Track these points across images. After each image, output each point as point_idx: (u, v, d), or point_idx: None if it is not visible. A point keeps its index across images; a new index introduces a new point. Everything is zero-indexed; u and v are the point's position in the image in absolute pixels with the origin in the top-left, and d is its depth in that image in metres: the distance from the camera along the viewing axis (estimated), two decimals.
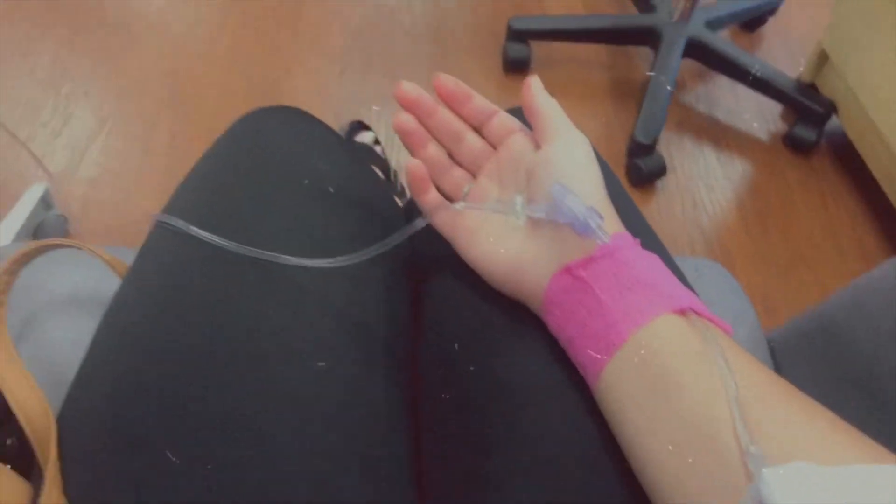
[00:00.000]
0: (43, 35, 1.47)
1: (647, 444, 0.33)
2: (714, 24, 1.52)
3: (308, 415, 0.37)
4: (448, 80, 0.44)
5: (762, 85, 1.45)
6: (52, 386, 0.43)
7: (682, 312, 0.34)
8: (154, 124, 1.34)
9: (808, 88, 1.45)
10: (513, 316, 0.41)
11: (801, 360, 0.57)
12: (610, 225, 0.38)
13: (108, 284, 0.50)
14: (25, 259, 0.47)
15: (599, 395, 0.36)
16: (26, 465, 0.40)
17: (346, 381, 0.40)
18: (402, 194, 1.12)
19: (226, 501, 0.34)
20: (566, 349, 0.38)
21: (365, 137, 1.14)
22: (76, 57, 1.44)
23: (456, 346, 0.44)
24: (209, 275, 0.41)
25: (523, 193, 0.40)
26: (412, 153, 0.46)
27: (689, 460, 0.31)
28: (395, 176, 1.13)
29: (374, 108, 1.38)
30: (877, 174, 1.30)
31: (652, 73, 1.39)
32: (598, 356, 0.35)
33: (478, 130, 0.46)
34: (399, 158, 1.33)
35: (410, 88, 0.44)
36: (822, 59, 1.41)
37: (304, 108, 0.56)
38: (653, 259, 0.37)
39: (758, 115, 1.53)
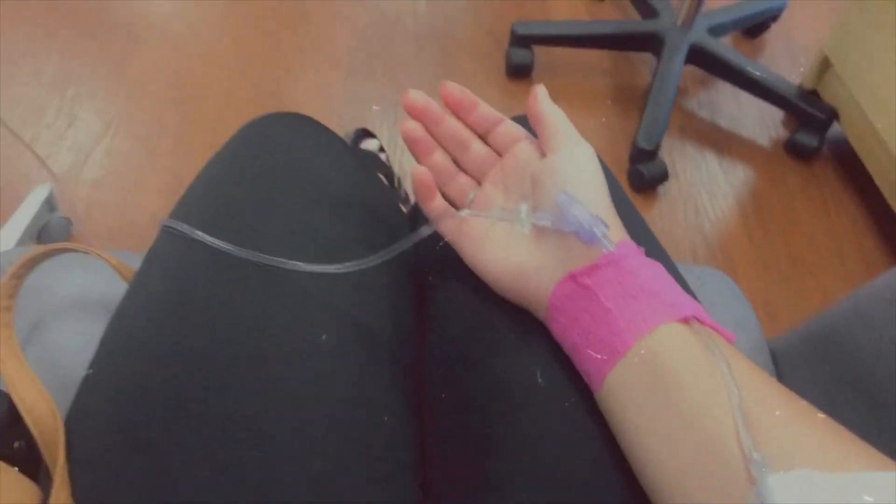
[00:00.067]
0: (48, 37, 1.47)
1: (650, 450, 0.33)
2: (716, 31, 1.52)
3: (311, 417, 0.37)
4: (454, 88, 0.45)
5: (764, 91, 1.45)
6: (60, 389, 0.43)
7: (686, 321, 0.34)
8: (158, 126, 1.35)
9: (810, 95, 1.45)
10: (517, 321, 0.42)
11: (804, 367, 0.57)
12: (615, 233, 0.38)
13: (115, 289, 0.50)
14: (33, 263, 0.47)
15: (603, 402, 0.36)
16: (34, 468, 0.41)
17: (350, 384, 0.40)
18: (406, 200, 1.12)
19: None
20: (570, 356, 0.38)
21: (370, 145, 1.14)
22: (81, 59, 1.45)
23: (460, 350, 0.44)
24: (215, 279, 0.41)
25: (528, 201, 0.41)
26: (418, 160, 0.46)
27: (693, 466, 0.31)
28: (400, 182, 1.13)
29: (374, 107, 1.39)
30: (878, 180, 1.30)
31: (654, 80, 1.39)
32: (603, 363, 0.35)
33: (483, 138, 0.46)
34: (402, 161, 1.33)
35: (418, 97, 0.44)
36: (825, 65, 1.42)
37: (308, 111, 0.56)
38: (657, 267, 0.38)
39: (760, 122, 1.53)
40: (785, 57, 1.67)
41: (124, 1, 1.58)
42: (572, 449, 0.37)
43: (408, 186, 1.20)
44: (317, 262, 0.41)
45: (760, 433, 0.30)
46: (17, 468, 0.38)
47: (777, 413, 0.31)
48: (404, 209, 1.05)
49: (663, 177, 1.36)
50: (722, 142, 1.49)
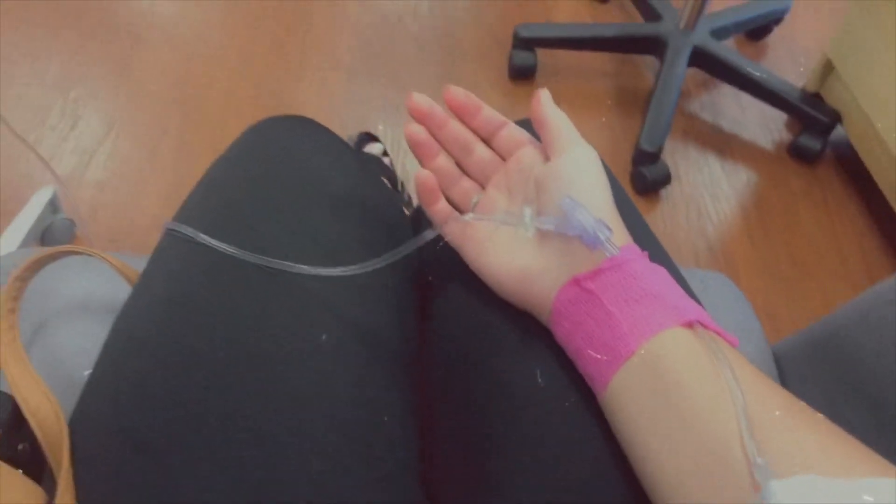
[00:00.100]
0: (52, 39, 1.48)
1: (653, 453, 0.33)
2: (719, 33, 1.52)
3: (311, 417, 0.37)
4: (458, 92, 0.45)
5: (767, 94, 1.45)
6: (63, 391, 0.43)
7: (689, 325, 0.35)
8: (162, 128, 1.35)
9: (813, 98, 1.45)
10: (518, 324, 0.42)
11: (807, 372, 0.57)
12: (618, 237, 0.38)
13: (119, 291, 0.50)
14: (37, 266, 0.48)
15: (606, 406, 0.36)
16: (38, 470, 0.41)
17: (350, 385, 0.40)
18: (408, 203, 1.12)
19: None
20: (573, 360, 0.38)
21: (373, 148, 1.14)
22: (85, 61, 1.45)
23: (461, 351, 0.44)
24: (217, 282, 0.41)
25: (532, 205, 0.41)
26: (422, 163, 0.46)
27: (696, 470, 0.31)
28: (403, 186, 1.13)
29: (379, 126, 1.39)
30: (881, 184, 1.30)
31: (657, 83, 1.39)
32: (606, 367, 0.35)
33: (487, 142, 0.46)
34: (405, 164, 1.33)
35: (422, 100, 0.44)
36: (827, 68, 1.42)
37: (311, 113, 0.56)
38: (661, 271, 0.38)
39: (762, 124, 1.53)
40: (788, 60, 1.67)
41: (126, 2, 1.58)
42: (573, 449, 0.37)
43: (411, 190, 1.20)
44: (320, 265, 0.42)
45: (764, 438, 0.30)
46: (21, 470, 0.38)
47: (782, 418, 0.31)
48: (407, 212, 1.06)
49: (666, 179, 1.36)
50: (724, 144, 1.49)
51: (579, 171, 0.40)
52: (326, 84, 1.47)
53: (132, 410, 0.37)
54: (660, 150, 1.33)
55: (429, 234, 0.41)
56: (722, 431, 0.31)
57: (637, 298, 0.35)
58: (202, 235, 0.43)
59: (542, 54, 1.54)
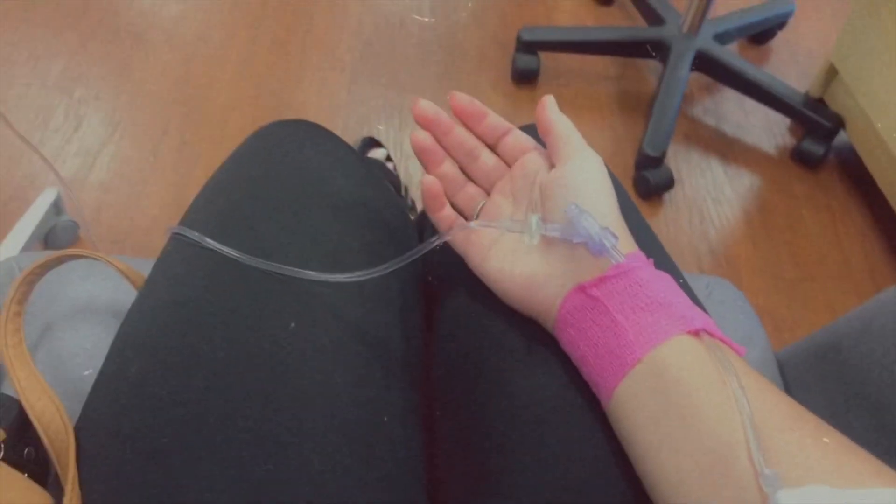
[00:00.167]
0: (53, 40, 1.48)
1: (659, 463, 0.33)
2: (723, 38, 1.52)
3: (312, 417, 0.38)
4: (463, 98, 0.45)
5: (770, 99, 1.45)
6: (69, 395, 0.43)
7: (696, 333, 0.35)
8: (163, 129, 1.35)
9: (817, 103, 1.45)
10: (522, 327, 0.42)
11: (811, 379, 0.57)
12: (624, 244, 0.38)
13: (124, 294, 0.50)
14: (43, 270, 0.48)
15: (611, 414, 0.36)
16: (43, 474, 0.41)
17: (351, 385, 0.40)
18: (412, 209, 1.12)
19: None
20: (579, 367, 0.38)
21: (377, 153, 1.15)
22: (86, 61, 1.45)
23: (465, 354, 0.44)
24: (220, 284, 0.42)
25: (538, 212, 0.41)
26: (427, 170, 0.46)
27: (702, 479, 0.31)
28: (406, 191, 1.13)
29: (379, 127, 1.39)
30: (884, 189, 1.30)
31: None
32: (612, 375, 0.35)
33: (492, 148, 0.46)
34: (409, 168, 1.33)
35: (427, 107, 0.44)
36: (831, 73, 1.42)
37: (311, 114, 0.56)
38: (666, 279, 0.38)
39: (766, 129, 1.53)
40: (791, 64, 1.67)
41: (127, 2, 1.58)
42: (573, 449, 0.37)
43: (414, 195, 1.20)
44: (322, 267, 0.42)
45: (771, 448, 0.30)
46: (26, 474, 0.38)
47: (788, 428, 0.31)
48: (411, 217, 1.06)
49: (669, 184, 1.36)
50: (727, 149, 1.49)
51: (585, 177, 0.40)
52: (327, 84, 1.47)
53: (132, 411, 0.37)
54: (663, 154, 1.33)
55: (437, 241, 0.41)
56: (727, 437, 0.31)
57: (643, 306, 0.35)
58: (207, 240, 0.43)
59: (545, 58, 1.54)
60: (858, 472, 0.29)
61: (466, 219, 0.46)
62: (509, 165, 0.46)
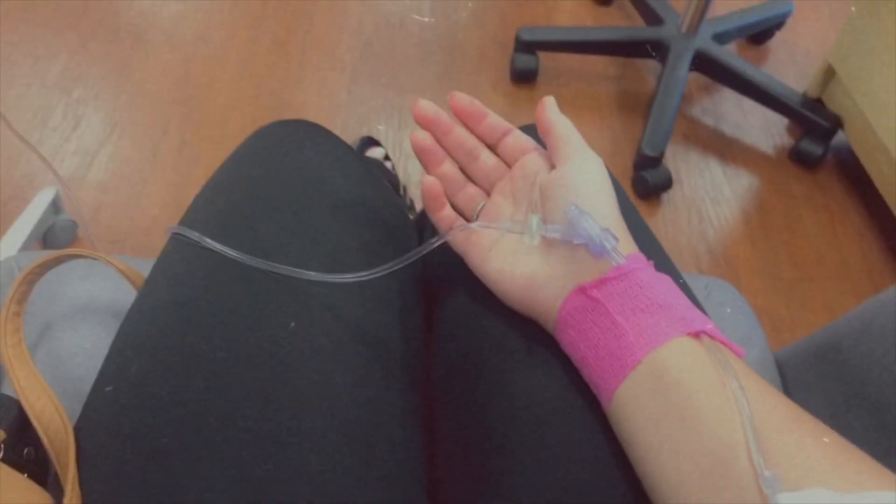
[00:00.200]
0: (53, 39, 1.48)
1: (659, 464, 0.33)
2: (721, 38, 1.52)
3: (312, 417, 0.38)
4: (463, 98, 0.45)
5: (768, 99, 1.45)
6: (68, 395, 0.43)
7: (696, 335, 0.35)
8: (162, 129, 1.35)
9: (815, 103, 1.45)
10: (522, 328, 0.42)
11: (810, 380, 0.57)
12: (624, 246, 0.38)
13: (123, 294, 0.50)
14: (42, 269, 0.48)
15: (612, 415, 0.36)
16: (43, 474, 0.41)
17: (351, 385, 0.40)
18: (411, 208, 1.12)
19: None
20: (579, 368, 0.38)
21: (375, 153, 1.14)
22: (86, 61, 1.45)
23: (463, 352, 0.44)
24: (219, 284, 0.42)
25: (538, 213, 0.41)
26: (427, 170, 0.46)
27: (702, 481, 0.31)
28: (405, 190, 1.13)
29: (379, 127, 1.39)
30: (882, 189, 1.30)
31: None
32: (612, 376, 0.35)
33: (492, 148, 0.46)
34: (407, 168, 1.33)
35: (428, 107, 0.44)
36: (829, 74, 1.42)
37: (311, 114, 0.56)
38: (666, 281, 0.38)
39: (764, 129, 1.53)
40: (789, 64, 1.67)
41: (127, 2, 1.58)
42: (573, 450, 0.37)
43: (413, 194, 1.20)
44: (321, 267, 0.42)
45: (771, 450, 0.30)
46: (26, 474, 0.38)
47: (789, 431, 0.31)
48: (410, 217, 1.06)
49: (667, 184, 1.36)
50: (726, 149, 1.49)
51: (585, 178, 0.40)
52: (327, 84, 1.47)
53: (132, 411, 0.37)
54: (661, 154, 1.33)
55: (437, 241, 0.41)
56: (727, 439, 0.31)
57: (643, 308, 0.35)
58: (207, 240, 0.43)
59: (544, 57, 1.54)
60: (857, 473, 0.29)
61: (466, 219, 0.46)
62: (509, 166, 0.46)
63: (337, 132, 0.56)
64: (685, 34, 1.47)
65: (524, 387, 0.40)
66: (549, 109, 0.43)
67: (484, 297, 0.43)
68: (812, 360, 0.57)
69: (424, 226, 0.59)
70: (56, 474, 0.39)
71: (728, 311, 0.61)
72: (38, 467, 0.40)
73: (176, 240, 0.46)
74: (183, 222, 0.47)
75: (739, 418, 0.31)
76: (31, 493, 0.37)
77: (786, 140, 1.52)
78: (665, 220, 1.35)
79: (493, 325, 0.43)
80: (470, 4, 1.69)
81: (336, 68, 1.51)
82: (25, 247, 1.05)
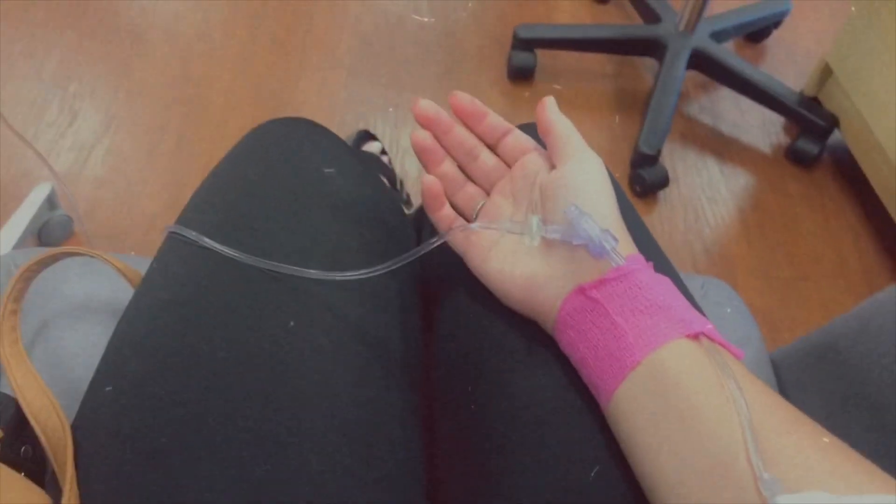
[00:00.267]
0: (52, 37, 1.47)
1: (658, 464, 0.33)
2: (719, 36, 1.52)
3: (311, 417, 0.38)
4: (464, 98, 0.45)
5: (765, 97, 1.45)
6: (65, 393, 0.43)
7: (695, 337, 0.35)
8: (161, 127, 1.34)
9: (811, 102, 1.45)
10: (522, 328, 0.42)
11: (806, 380, 0.57)
12: (624, 246, 0.38)
13: (120, 292, 0.50)
14: (39, 267, 0.47)
15: (611, 416, 0.36)
16: (40, 473, 0.41)
17: (351, 385, 0.40)
18: (407, 203, 1.12)
19: None
20: (578, 369, 0.38)
21: (372, 147, 1.14)
22: (84, 59, 1.44)
23: (463, 352, 0.44)
24: (218, 284, 0.42)
25: (538, 213, 0.41)
26: (427, 169, 0.46)
27: (700, 483, 0.31)
28: (402, 185, 1.13)
29: (390, 109, 1.38)
30: (878, 188, 1.31)
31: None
32: (611, 377, 0.35)
33: (492, 148, 0.46)
34: (404, 163, 1.33)
35: (428, 106, 0.44)
36: (826, 73, 1.42)
37: (311, 113, 0.56)
38: (666, 282, 0.38)
39: (761, 128, 1.53)
40: (786, 63, 1.68)
41: (127, 1, 1.57)
42: (573, 450, 0.37)
43: (410, 189, 1.20)
44: (319, 265, 0.42)
45: (769, 450, 0.30)
46: (23, 473, 0.38)
47: (787, 433, 0.31)
48: (406, 211, 1.06)
49: (664, 182, 1.36)
50: (723, 147, 1.49)
51: (585, 179, 0.40)
52: (326, 84, 1.47)
53: (132, 411, 0.37)
54: (658, 152, 1.33)
55: (437, 241, 0.41)
56: (726, 439, 0.31)
57: (642, 309, 0.35)
58: (205, 239, 0.43)
59: (542, 55, 1.54)
60: (854, 475, 0.29)
61: (466, 219, 0.46)
62: (509, 166, 0.46)
63: (335, 131, 0.56)
64: (683, 32, 1.47)
65: (524, 387, 0.40)
66: (550, 109, 0.43)
67: (484, 297, 0.43)
68: (809, 360, 0.57)
69: (423, 223, 0.59)
70: (54, 473, 0.39)
71: (725, 310, 0.61)
72: (35, 466, 0.40)
73: (173, 239, 0.46)
74: (180, 221, 0.47)
75: (738, 421, 0.31)
76: (29, 493, 0.37)
77: (782, 139, 1.52)
78: (662, 219, 1.35)
79: (493, 325, 0.43)
80: (469, 4, 1.69)
81: (335, 67, 1.50)
82: (21, 243, 1.05)
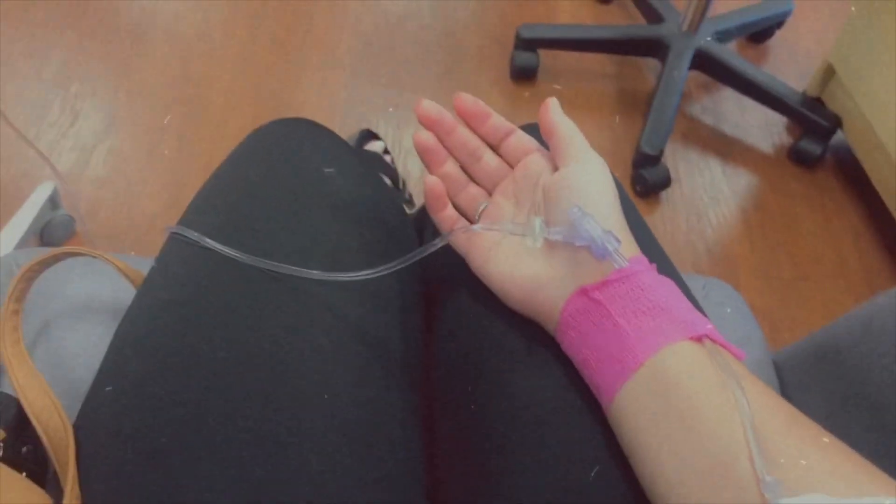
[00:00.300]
0: (52, 37, 1.47)
1: (660, 467, 0.33)
2: (722, 37, 1.52)
3: (311, 417, 0.38)
4: (467, 99, 0.45)
5: (768, 98, 1.45)
6: (67, 393, 0.43)
7: (698, 339, 0.35)
8: (161, 127, 1.35)
9: (814, 102, 1.45)
10: (523, 328, 0.42)
11: (808, 381, 0.57)
12: (626, 248, 0.38)
13: (122, 292, 0.50)
14: (41, 267, 0.47)
15: (613, 417, 0.36)
16: (41, 473, 0.41)
17: (351, 385, 0.40)
18: (410, 202, 1.12)
19: None
20: (580, 370, 0.38)
21: (375, 146, 1.14)
22: (85, 59, 1.44)
23: (463, 352, 0.44)
24: (219, 284, 0.42)
25: (541, 214, 0.41)
26: (430, 170, 0.46)
27: (702, 485, 0.31)
28: (404, 184, 1.13)
29: (390, 109, 1.38)
30: (880, 189, 1.30)
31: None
32: (613, 379, 0.35)
33: (495, 149, 0.46)
34: (407, 163, 1.33)
35: (431, 107, 0.44)
36: (829, 73, 1.42)
37: (311, 113, 0.56)
38: (668, 283, 0.38)
39: (763, 128, 1.53)
40: (789, 63, 1.67)
41: (128, 1, 1.57)
42: (573, 450, 0.37)
43: (412, 189, 1.20)
44: (320, 266, 0.42)
45: (770, 453, 0.30)
46: (24, 473, 0.38)
47: (790, 435, 0.31)
48: (408, 210, 1.06)
49: (666, 182, 1.36)
50: (725, 148, 1.49)
51: (588, 180, 0.40)
52: (327, 84, 1.47)
53: (132, 411, 0.37)
54: (661, 152, 1.33)
55: (439, 242, 0.41)
56: (727, 439, 0.31)
57: (645, 311, 0.35)
58: (208, 240, 0.43)
59: (544, 55, 1.54)
60: (858, 480, 0.29)
61: (468, 219, 0.46)
62: (512, 167, 0.46)
63: (336, 131, 0.56)
64: (685, 32, 1.47)
65: (524, 387, 0.40)
66: (553, 111, 0.42)
67: (485, 297, 0.43)
68: (811, 361, 0.57)
69: (425, 223, 0.59)
70: (55, 473, 0.39)
71: (727, 311, 0.61)
72: (36, 466, 0.40)
73: (175, 239, 0.46)
74: (182, 222, 0.47)
75: (740, 420, 0.31)
76: (30, 493, 0.37)
77: (785, 139, 1.52)
78: (664, 219, 1.35)
79: (493, 325, 0.43)
80: (470, 4, 1.68)
81: (335, 67, 1.50)
82: (23, 242, 1.05)
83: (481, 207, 0.45)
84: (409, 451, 0.42)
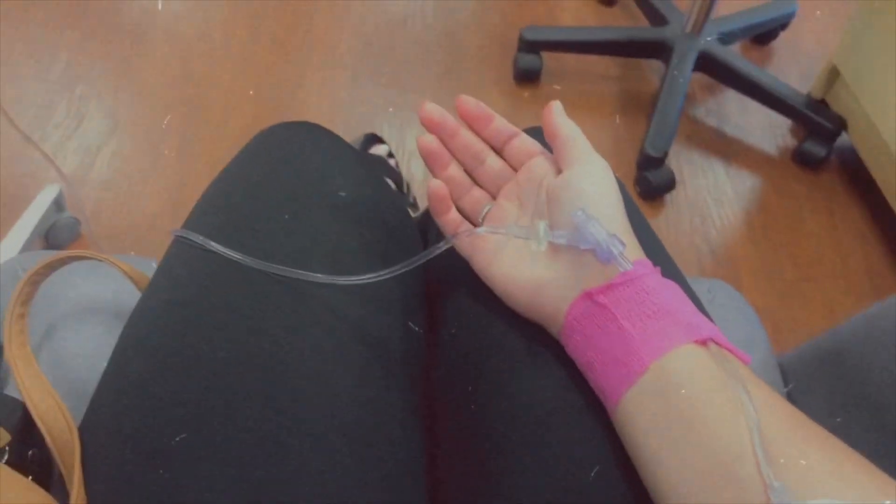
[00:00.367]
0: (57, 38, 1.48)
1: (665, 471, 0.33)
2: (726, 38, 1.52)
3: (312, 417, 0.38)
4: (470, 102, 0.45)
5: (772, 100, 1.45)
6: (72, 396, 0.43)
7: (703, 343, 0.35)
8: (163, 128, 1.35)
9: (819, 104, 1.45)
10: (524, 329, 0.42)
11: (813, 384, 0.57)
12: (631, 251, 0.38)
13: (127, 295, 0.50)
14: (47, 271, 0.48)
15: (618, 421, 0.36)
16: (47, 476, 0.41)
17: (353, 386, 0.40)
18: (414, 206, 1.12)
19: None
20: (584, 373, 0.38)
21: (379, 150, 1.14)
22: (88, 60, 1.45)
23: (464, 352, 0.44)
24: (220, 285, 0.42)
25: (544, 217, 0.41)
26: (434, 173, 0.46)
27: (708, 489, 0.31)
28: (408, 188, 1.13)
29: (390, 109, 1.38)
30: (885, 191, 1.30)
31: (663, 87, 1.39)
32: (618, 382, 0.35)
33: (498, 152, 0.46)
34: (410, 166, 1.33)
35: (434, 110, 0.44)
36: (833, 75, 1.41)
37: (312, 114, 0.56)
38: (673, 287, 0.38)
39: (767, 130, 1.53)
40: (793, 66, 1.67)
41: (128, 1, 1.58)
42: (574, 450, 0.37)
43: (416, 192, 1.20)
44: (322, 268, 0.42)
45: (774, 455, 0.30)
46: (30, 476, 0.38)
47: (796, 440, 0.31)
48: (413, 214, 1.06)
49: (670, 184, 1.35)
50: (729, 150, 1.48)
51: (592, 183, 0.40)
52: (327, 84, 1.47)
53: (133, 411, 0.37)
54: (665, 154, 1.33)
55: (443, 245, 0.41)
56: (731, 441, 0.31)
57: (650, 314, 0.35)
58: (212, 243, 0.43)
59: (548, 58, 1.54)
60: (864, 485, 0.29)
61: (472, 222, 0.46)
62: (515, 169, 0.46)
63: (337, 132, 0.56)
64: (689, 34, 1.46)
65: (524, 387, 0.40)
66: (556, 113, 0.42)
67: (486, 297, 0.43)
68: (816, 364, 0.57)
69: (429, 226, 0.59)
70: (60, 475, 0.39)
71: (731, 314, 0.61)
72: (41, 469, 0.40)
73: (179, 242, 0.46)
74: (186, 224, 0.47)
75: (745, 424, 0.31)
76: (36, 496, 0.37)
77: (789, 141, 1.51)
78: (668, 221, 1.35)
79: (494, 326, 0.43)
80: (471, 4, 1.68)
81: (336, 67, 1.50)
82: (28, 244, 1.05)
83: (485, 210, 0.45)
84: (409, 451, 0.42)
